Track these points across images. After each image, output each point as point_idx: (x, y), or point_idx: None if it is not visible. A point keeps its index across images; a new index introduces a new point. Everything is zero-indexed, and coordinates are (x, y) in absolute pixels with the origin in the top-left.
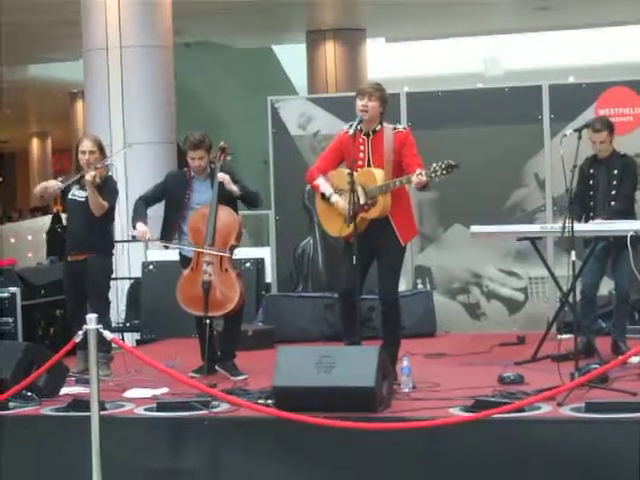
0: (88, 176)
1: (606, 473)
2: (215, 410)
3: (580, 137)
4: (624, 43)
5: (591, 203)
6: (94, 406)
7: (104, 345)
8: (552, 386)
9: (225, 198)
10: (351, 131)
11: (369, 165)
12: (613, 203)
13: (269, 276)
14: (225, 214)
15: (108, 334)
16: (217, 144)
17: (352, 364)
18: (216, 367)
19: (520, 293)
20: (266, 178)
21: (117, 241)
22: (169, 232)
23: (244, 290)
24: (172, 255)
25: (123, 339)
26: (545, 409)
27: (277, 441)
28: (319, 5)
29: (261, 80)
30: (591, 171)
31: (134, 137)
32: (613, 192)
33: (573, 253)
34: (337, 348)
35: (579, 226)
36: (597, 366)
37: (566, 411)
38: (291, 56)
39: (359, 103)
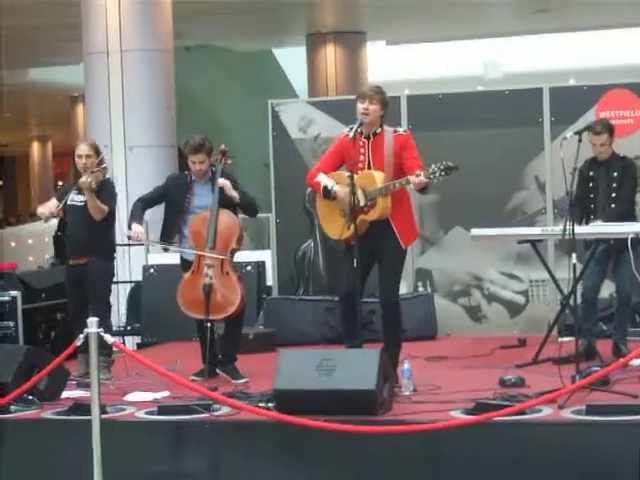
0: (84, 182)
1: (607, 476)
2: (216, 413)
3: (580, 140)
4: (624, 46)
5: (591, 205)
6: (95, 410)
7: (105, 349)
8: (553, 389)
9: (225, 202)
10: (351, 134)
11: (369, 168)
12: (613, 206)
13: (270, 279)
14: (226, 217)
15: (109, 337)
16: (218, 147)
17: (353, 367)
18: (217, 370)
19: (521, 296)
20: (267, 181)
21: (118, 244)
22: (169, 235)
23: (245, 293)
24: (173, 259)
25: (124, 342)
26: (546, 412)
27: (278, 444)
28: (319, 8)
29: (261, 83)
30: (591, 173)
31: (135, 141)
32: (613, 194)
33: (574, 256)
34: (338, 351)
35: (580, 229)
36: (598, 369)
37: (567, 414)
38: (291, 59)
39: (360, 106)
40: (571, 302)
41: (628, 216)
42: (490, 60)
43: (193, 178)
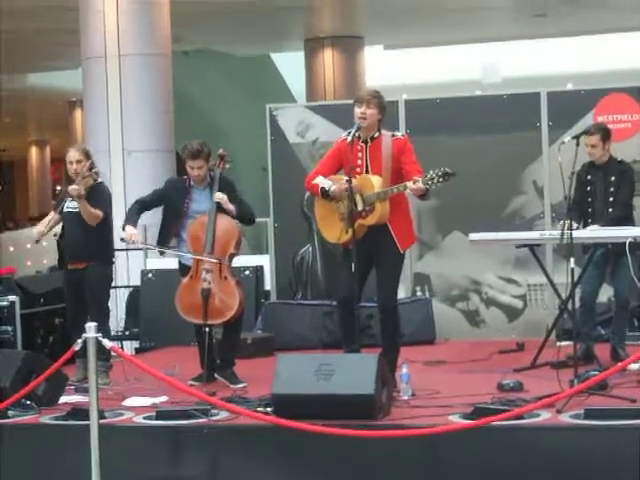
0: (73, 191)
1: None
2: (214, 418)
3: (578, 144)
4: (622, 50)
5: (589, 209)
6: (93, 415)
7: (103, 353)
8: (551, 393)
9: (224, 208)
10: (349, 138)
11: (367, 172)
12: (611, 210)
13: (268, 284)
14: (224, 222)
15: (107, 342)
16: (216, 152)
17: (351, 372)
18: (215, 375)
19: (519, 300)
20: (265, 185)
21: (116, 249)
22: (165, 238)
23: (243, 298)
24: (171, 263)
25: (122, 347)
26: (544, 416)
27: (276, 449)
28: (317, 13)
29: (260, 88)
30: (588, 177)
31: (133, 145)
32: (611, 199)
33: (572, 260)
34: (336, 356)
35: (578, 233)
36: (596, 373)
37: (565, 418)
38: (289, 64)
39: (357, 111)
40: (569, 306)
41: (625, 220)
42: (488, 65)
43: (192, 183)
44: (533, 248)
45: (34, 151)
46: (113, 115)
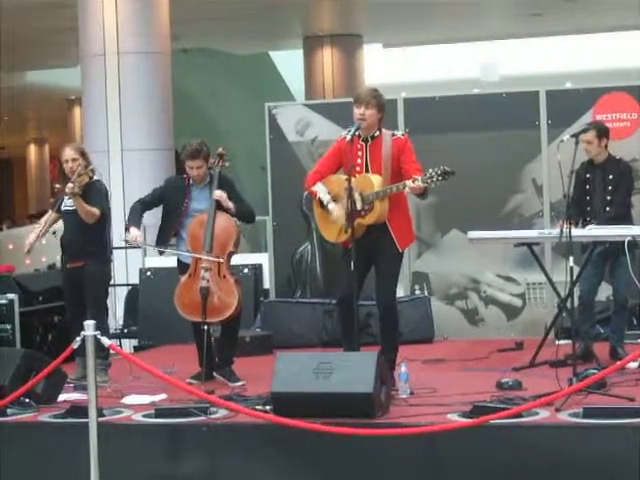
0: (67, 189)
1: (604, 478)
2: (213, 416)
3: (577, 142)
4: (621, 49)
5: (588, 208)
6: (92, 412)
7: (102, 351)
8: (550, 391)
9: (223, 206)
10: (348, 137)
11: (367, 171)
12: (608, 209)
13: (267, 282)
14: (223, 221)
15: (106, 340)
16: (215, 150)
17: (350, 370)
18: (214, 373)
19: (518, 299)
20: (264, 184)
21: (115, 247)
22: (164, 238)
23: (242, 296)
24: (170, 262)
25: (121, 345)
26: (543, 414)
27: (275, 447)
28: (316, 11)
29: (259, 86)
30: (587, 175)
31: (131, 144)
32: (608, 197)
33: (571, 259)
34: (335, 354)
35: (577, 231)
36: (595, 371)
37: (564, 416)
38: (288, 62)
39: (356, 111)
40: (568, 305)
41: (623, 219)
42: (487, 63)
43: (191, 182)
44: (532, 246)
45: (33, 149)
46: (112, 113)
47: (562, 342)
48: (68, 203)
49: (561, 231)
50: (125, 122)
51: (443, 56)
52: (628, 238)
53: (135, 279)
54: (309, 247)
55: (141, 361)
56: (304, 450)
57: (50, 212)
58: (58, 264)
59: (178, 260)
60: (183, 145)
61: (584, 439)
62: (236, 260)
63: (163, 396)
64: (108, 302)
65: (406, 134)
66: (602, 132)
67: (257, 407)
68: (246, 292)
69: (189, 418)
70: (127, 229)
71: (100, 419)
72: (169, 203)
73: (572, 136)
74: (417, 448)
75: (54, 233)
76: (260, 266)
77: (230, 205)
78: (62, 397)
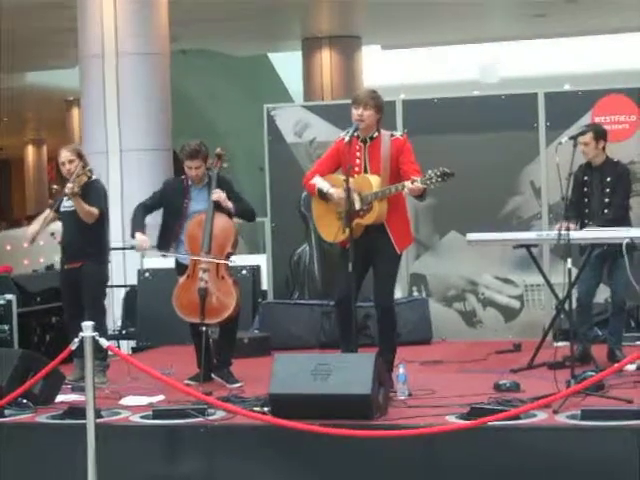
0: (67, 189)
1: None
2: (211, 418)
3: (576, 145)
4: (620, 51)
5: (586, 210)
6: (90, 414)
7: (100, 352)
8: (548, 393)
9: (222, 206)
10: (347, 138)
11: (365, 172)
12: (606, 211)
13: (265, 283)
14: (221, 221)
15: (104, 342)
16: (213, 151)
17: (348, 371)
18: (212, 375)
19: (516, 301)
20: (262, 185)
21: (113, 248)
22: (166, 241)
23: (240, 297)
24: (168, 263)
25: (119, 347)
26: (541, 416)
27: (273, 449)
28: (315, 13)
29: (257, 87)
30: (585, 178)
31: (130, 144)
32: (606, 200)
33: (569, 261)
34: (333, 355)
35: (575, 234)
36: (593, 374)
37: (562, 418)
38: (287, 64)
39: (354, 112)
40: (566, 307)
41: (621, 221)
42: (486, 65)
43: (189, 183)
44: (530, 248)
45: (31, 150)
46: (110, 114)
47: (560, 344)
48: (67, 204)
49: (559, 233)
50: (124, 123)
51: (442, 58)
52: (626, 240)
53: (133, 280)
54: (307, 248)
55: (139, 362)
56: (302, 451)
57: (49, 211)
58: (56, 265)
59: (176, 261)
60: (182, 145)
61: (582, 441)
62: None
63: (161, 397)
64: (106, 303)
65: (405, 135)
66: (599, 134)
67: (255, 408)
68: (244, 293)
69: (187, 419)
70: (133, 235)
71: (98, 420)
72: (169, 206)
73: (570, 138)
74: (415, 450)
75: (52, 234)
76: (258, 267)
77: (229, 205)
78: (60, 398)
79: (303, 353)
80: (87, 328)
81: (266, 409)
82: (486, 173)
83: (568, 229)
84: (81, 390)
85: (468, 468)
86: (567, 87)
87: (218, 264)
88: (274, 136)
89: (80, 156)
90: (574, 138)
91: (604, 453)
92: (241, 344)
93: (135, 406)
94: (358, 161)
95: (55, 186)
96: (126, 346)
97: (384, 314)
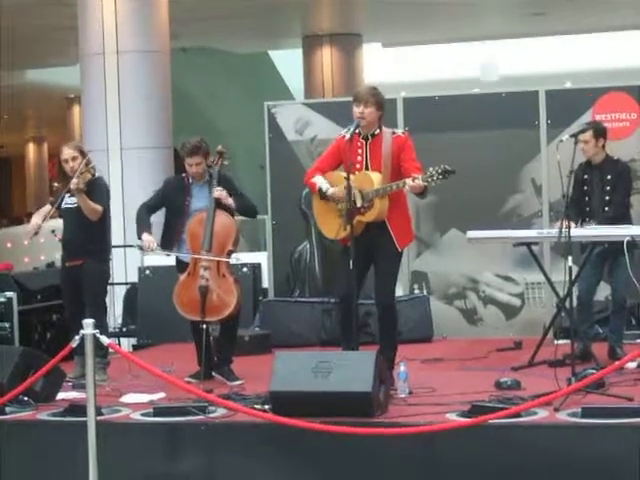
0: (72, 185)
1: (603, 478)
2: (212, 415)
3: (576, 142)
4: (620, 48)
5: (586, 209)
6: (91, 411)
7: (101, 350)
8: (549, 391)
9: (223, 204)
10: (347, 136)
11: (367, 169)
12: (607, 209)
13: (266, 281)
14: (223, 219)
15: (105, 339)
16: (214, 149)
17: (349, 369)
18: (213, 373)
19: (517, 298)
20: (263, 183)
21: (114, 246)
22: (169, 239)
23: (241, 295)
24: (169, 260)
25: (119, 344)
26: (542, 414)
27: (274, 446)
28: (316, 10)
29: (258, 85)
30: (585, 177)
31: (130, 142)
32: (607, 198)
33: (570, 258)
34: (334, 353)
35: (576, 231)
36: (594, 371)
37: (563, 416)
38: (288, 61)
39: (355, 110)
40: (567, 305)
41: (622, 219)
42: (486, 62)
43: (190, 180)
44: (531, 246)
45: (31, 148)
46: (111, 112)
47: (561, 342)
48: (69, 201)
49: (560, 231)
50: (124, 121)
51: (443, 55)
52: (627, 238)
53: (134, 277)
54: (308, 246)
55: (140, 360)
56: (303, 449)
57: (49, 206)
58: (57, 262)
59: (177, 259)
60: (182, 143)
61: (583, 439)
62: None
63: (162, 395)
64: (107, 301)
65: (406, 132)
66: (599, 132)
67: (256, 406)
68: (245, 291)
69: (188, 417)
70: (140, 236)
71: (99, 418)
72: (170, 204)
73: (571, 136)
74: (416, 447)
75: (53, 231)
76: (259, 265)
77: (230, 202)
78: (61, 395)
79: (304, 351)
80: (88, 326)
81: (267, 407)
82: (487, 171)
83: (569, 226)
84: (82, 387)
85: (469, 466)
86: (568, 85)
87: (219, 262)
88: (275, 134)
89: (83, 153)
90: (575, 136)
91: (605, 451)
92: (242, 342)
93: (136, 404)
94: (359, 158)
95: (56, 184)
96: (127, 344)
97: (385, 312)
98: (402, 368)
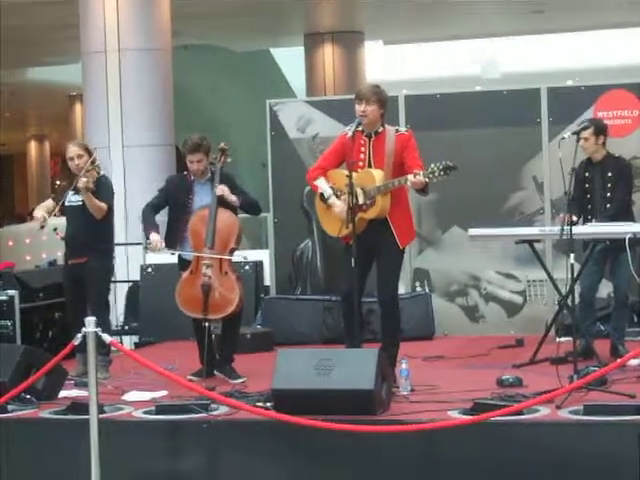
0: (81, 183)
1: (604, 476)
2: (214, 413)
3: (578, 140)
4: (622, 46)
5: (588, 206)
6: (93, 409)
7: (103, 348)
8: (551, 389)
9: (225, 201)
10: (350, 133)
11: (370, 166)
12: (608, 206)
13: (268, 279)
14: (225, 217)
15: (107, 337)
16: (215, 147)
17: (351, 367)
18: (214, 371)
19: (519, 296)
20: (265, 181)
21: (116, 244)
22: (174, 237)
23: (243, 293)
24: (170, 258)
25: (122, 342)
26: (544, 412)
27: (276, 444)
28: (317, 8)
29: (259, 83)
30: (586, 174)
31: (132, 140)
32: (608, 195)
33: (572, 256)
34: (336, 351)
35: (578, 229)
36: (596, 369)
37: (565, 414)
38: (289, 59)
39: (358, 108)
40: (569, 302)
41: (623, 216)
42: (488, 60)
43: (192, 178)
44: (533, 244)
45: (33, 145)
46: (113, 110)
47: (563, 339)
48: (72, 198)
49: (562, 228)
50: (126, 119)
51: (444, 53)
52: (629, 235)
53: (136, 275)
54: (310, 244)
55: (142, 358)
56: (305, 447)
57: (51, 201)
58: (59, 260)
59: (179, 256)
60: (184, 139)
61: (585, 436)
62: (237, 256)
63: (164, 393)
64: (109, 299)
65: (410, 130)
66: (599, 130)
67: (258, 404)
68: (247, 289)
69: (190, 415)
70: (147, 236)
71: (101, 416)
72: (173, 202)
73: (573, 133)
74: (418, 445)
75: (55, 229)
76: (261, 263)
77: (233, 198)
78: (63, 394)
79: (306, 348)
80: (90, 323)
81: (269, 404)
82: (488, 168)
83: (571, 224)
84: (84, 385)
85: (471, 463)
86: (570, 82)
87: (221, 259)
88: (277, 132)
89: (88, 151)
90: (577, 133)
91: (607, 448)
92: (244, 339)
93: (138, 401)
94: (362, 156)
95: (58, 182)
96: (129, 341)
97: (387, 309)
98: (404, 365)
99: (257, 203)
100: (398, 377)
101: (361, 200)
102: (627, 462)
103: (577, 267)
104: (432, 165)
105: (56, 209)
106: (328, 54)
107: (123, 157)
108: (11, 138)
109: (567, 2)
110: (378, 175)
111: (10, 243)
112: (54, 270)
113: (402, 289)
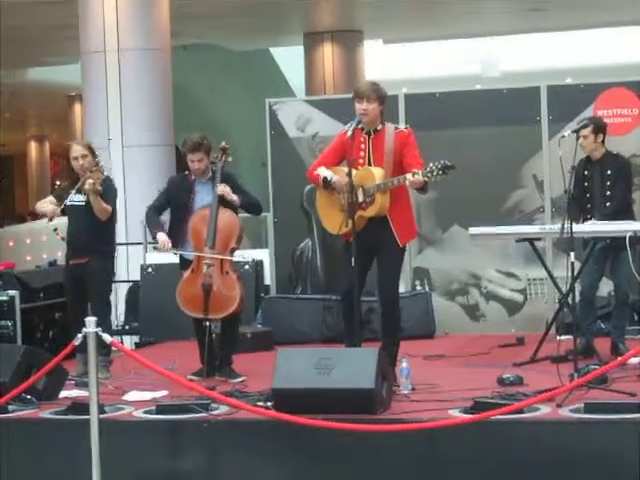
0: (88, 185)
1: (605, 474)
2: (214, 412)
3: (578, 138)
4: (622, 44)
5: (588, 205)
6: (93, 409)
7: (104, 348)
8: (551, 387)
9: (226, 200)
10: (349, 132)
11: (369, 164)
12: (608, 204)
13: (268, 278)
14: (226, 216)
15: (107, 337)
16: (216, 146)
17: (351, 366)
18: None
19: (519, 294)
20: (264, 180)
21: (118, 244)
22: (176, 237)
23: (244, 293)
24: (171, 258)
25: (122, 342)
26: (544, 410)
27: (276, 443)
28: (317, 7)
29: (259, 82)
30: (585, 172)
31: (132, 140)
32: (608, 193)
33: (572, 254)
34: (336, 350)
35: (578, 227)
36: (596, 367)
37: (565, 412)
38: (289, 58)
39: (358, 107)
40: (569, 300)
41: (623, 214)
42: (487, 59)
43: (193, 177)
44: (533, 242)
45: (33, 146)
46: (112, 110)
47: (563, 338)
48: (75, 198)
49: (562, 227)
50: (125, 118)
51: (444, 52)
52: (629, 233)
53: (136, 275)
54: (310, 243)
55: (142, 357)
56: (305, 446)
57: (54, 199)
58: (59, 261)
59: (180, 256)
60: (184, 139)
61: (585, 435)
62: (237, 256)
63: (164, 392)
64: (110, 299)
65: (409, 128)
66: (598, 128)
67: (258, 403)
68: (247, 288)
69: (190, 414)
70: (154, 236)
71: (101, 416)
72: (175, 202)
73: (573, 132)
74: (418, 444)
75: (55, 229)
76: (261, 262)
77: (234, 197)
78: (63, 394)
79: (306, 347)
80: (90, 323)
81: (269, 404)
82: (488, 167)
83: (571, 222)
84: (84, 385)
85: (471, 462)
86: (569, 80)
87: (223, 259)
88: (276, 131)
89: (92, 151)
90: (577, 131)
91: (607, 447)
92: (244, 339)
93: (138, 401)
94: (362, 153)
95: (58, 182)
96: (129, 341)
97: (388, 308)
98: (404, 364)
99: (258, 203)
100: (398, 376)
101: (360, 198)
102: (628, 460)
103: (577, 265)
104: (431, 164)
105: (60, 207)
106: (327, 53)
107: (122, 157)
108: (11, 138)
109: (567, 1)
110: (378, 173)
111: (10, 243)
112: (54, 270)
113: (402, 288)
